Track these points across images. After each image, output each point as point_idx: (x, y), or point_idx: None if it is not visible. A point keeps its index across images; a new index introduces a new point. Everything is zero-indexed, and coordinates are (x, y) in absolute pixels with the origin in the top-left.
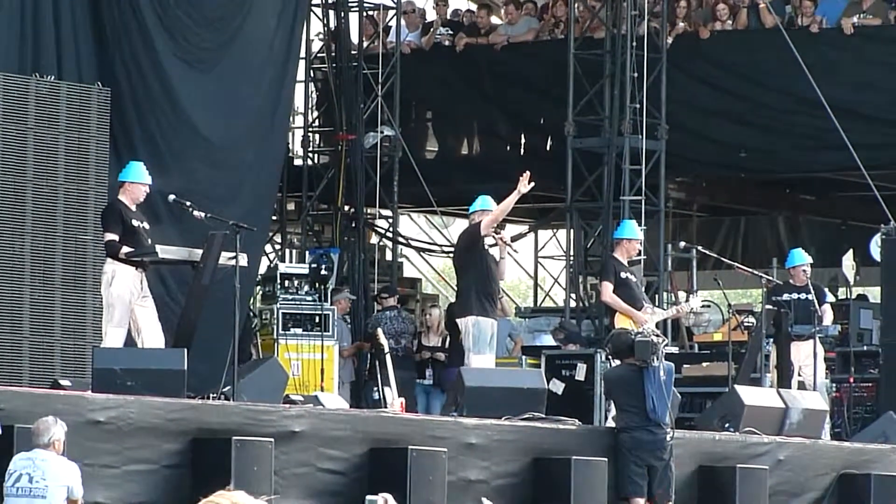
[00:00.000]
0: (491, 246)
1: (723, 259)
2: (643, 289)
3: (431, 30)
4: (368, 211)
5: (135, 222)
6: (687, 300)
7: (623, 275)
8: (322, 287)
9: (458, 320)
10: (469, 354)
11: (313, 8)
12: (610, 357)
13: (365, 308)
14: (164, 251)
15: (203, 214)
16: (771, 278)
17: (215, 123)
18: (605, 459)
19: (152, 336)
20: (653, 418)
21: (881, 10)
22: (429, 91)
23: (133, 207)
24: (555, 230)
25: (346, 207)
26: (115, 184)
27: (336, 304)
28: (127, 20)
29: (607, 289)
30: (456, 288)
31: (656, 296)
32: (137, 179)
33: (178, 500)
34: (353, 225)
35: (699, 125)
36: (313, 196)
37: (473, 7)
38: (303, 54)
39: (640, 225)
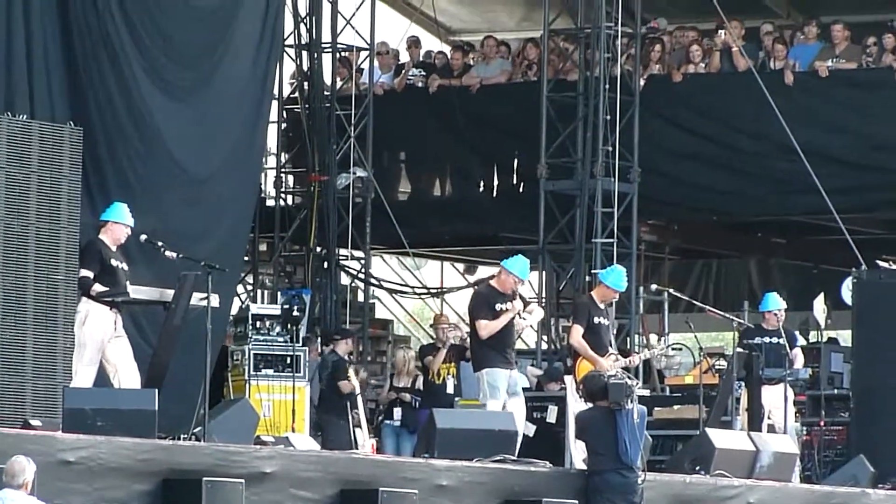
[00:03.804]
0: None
1: (694, 302)
2: (615, 331)
3: (404, 71)
4: (340, 252)
5: (114, 262)
6: (647, 346)
7: (596, 320)
8: (294, 328)
9: (475, 374)
10: (486, 402)
11: (287, 49)
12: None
13: None
14: (136, 291)
15: (175, 254)
16: (742, 321)
17: (189, 162)
18: (576, 502)
19: (128, 374)
20: (625, 461)
21: (855, 54)
22: (402, 132)
23: (113, 248)
24: None
25: (318, 248)
26: (88, 223)
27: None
28: (101, 59)
29: (577, 332)
30: (469, 343)
31: (627, 338)
32: (120, 220)
33: None
34: (325, 266)
35: (671, 168)
36: (285, 237)
37: (446, 49)
38: (276, 94)
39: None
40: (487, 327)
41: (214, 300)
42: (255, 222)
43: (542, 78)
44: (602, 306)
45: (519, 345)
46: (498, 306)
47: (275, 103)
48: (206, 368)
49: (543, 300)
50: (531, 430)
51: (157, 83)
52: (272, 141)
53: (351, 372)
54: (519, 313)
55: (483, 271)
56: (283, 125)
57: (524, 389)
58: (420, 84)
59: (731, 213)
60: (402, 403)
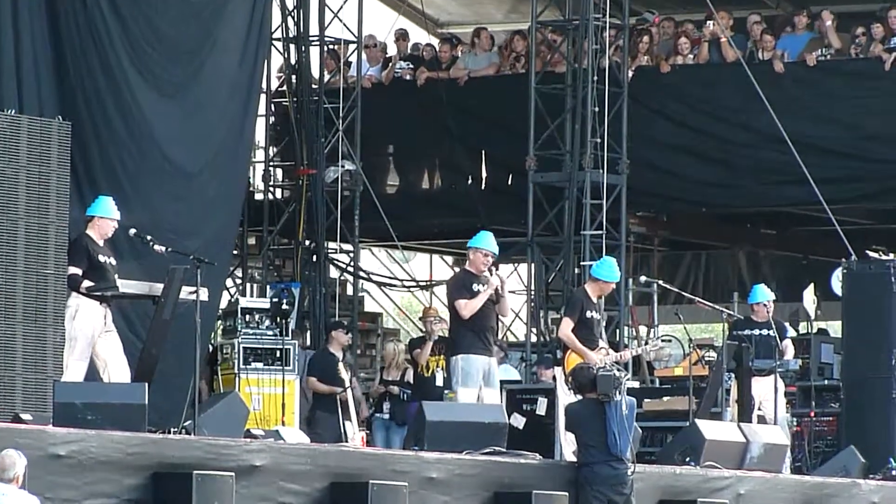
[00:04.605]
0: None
1: (684, 293)
2: (604, 324)
3: (391, 64)
4: (329, 245)
5: (101, 257)
6: (638, 339)
7: (588, 314)
8: (283, 322)
9: (450, 359)
10: (458, 389)
11: (274, 42)
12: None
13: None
14: (125, 286)
15: (164, 248)
16: (732, 313)
17: (178, 156)
18: (566, 494)
19: (118, 369)
20: (614, 453)
21: (843, 44)
22: (390, 125)
23: (100, 242)
24: (515, 265)
25: (307, 242)
26: (77, 218)
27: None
28: (89, 54)
29: (567, 325)
30: (449, 328)
31: (617, 330)
32: (106, 214)
33: None
34: (314, 259)
35: (660, 159)
36: (274, 230)
37: (434, 41)
38: (263, 88)
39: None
40: (468, 306)
41: (203, 294)
42: (244, 216)
43: (530, 70)
44: (595, 300)
45: (508, 337)
46: (475, 287)
47: (263, 97)
48: (196, 363)
49: (532, 292)
50: (521, 422)
51: (147, 78)
52: (260, 134)
53: (341, 367)
54: (497, 290)
55: None
56: (271, 119)
57: (510, 382)
58: (408, 77)
59: (721, 204)
60: (391, 396)
